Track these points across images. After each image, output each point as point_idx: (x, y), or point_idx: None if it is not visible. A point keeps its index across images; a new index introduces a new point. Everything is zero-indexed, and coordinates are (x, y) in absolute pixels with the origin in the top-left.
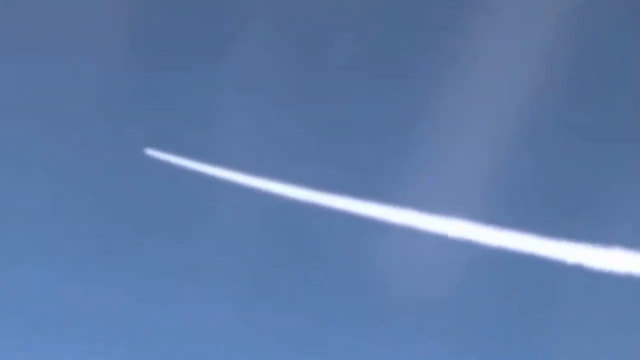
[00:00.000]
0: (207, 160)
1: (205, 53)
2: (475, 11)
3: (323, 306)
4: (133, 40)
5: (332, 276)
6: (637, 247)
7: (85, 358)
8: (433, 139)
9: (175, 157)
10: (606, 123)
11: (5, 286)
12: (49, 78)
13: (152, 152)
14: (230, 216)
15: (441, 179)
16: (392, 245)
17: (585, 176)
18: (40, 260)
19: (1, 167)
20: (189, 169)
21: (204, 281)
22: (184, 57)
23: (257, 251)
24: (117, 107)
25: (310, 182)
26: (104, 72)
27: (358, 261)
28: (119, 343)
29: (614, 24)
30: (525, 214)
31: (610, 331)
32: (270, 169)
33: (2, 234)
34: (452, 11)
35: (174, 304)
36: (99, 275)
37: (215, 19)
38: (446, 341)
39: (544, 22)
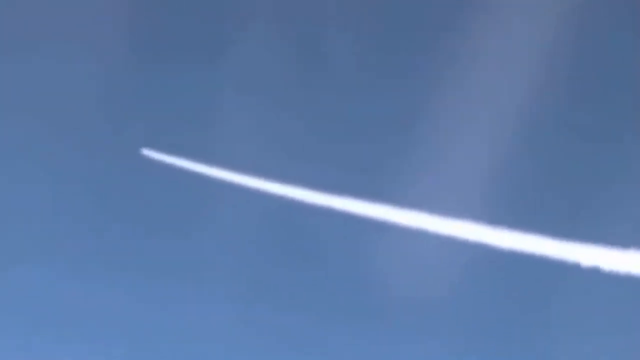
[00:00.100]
0: (205, 161)
1: (202, 52)
2: (475, 11)
3: (323, 306)
4: (130, 40)
5: (332, 276)
6: (638, 246)
7: (85, 358)
8: (433, 139)
9: (173, 157)
10: (607, 123)
11: (5, 286)
12: (46, 78)
13: (149, 152)
14: (229, 216)
15: (442, 179)
16: (392, 246)
17: (587, 176)
18: (39, 260)
19: None
20: (187, 169)
21: (204, 281)
22: (181, 56)
23: (256, 251)
24: (115, 107)
25: (309, 182)
26: (100, 72)
27: (358, 261)
28: (119, 343)
29: (614, 24)
30: (527, 214)
31: (611, 331)
32: (270, 169)
33: (0, 233)
34: (452, 11)
35: (174, 304)
36: (98, 275)
37: (214, 18)
38: (447, 341)
39: (545, 22)
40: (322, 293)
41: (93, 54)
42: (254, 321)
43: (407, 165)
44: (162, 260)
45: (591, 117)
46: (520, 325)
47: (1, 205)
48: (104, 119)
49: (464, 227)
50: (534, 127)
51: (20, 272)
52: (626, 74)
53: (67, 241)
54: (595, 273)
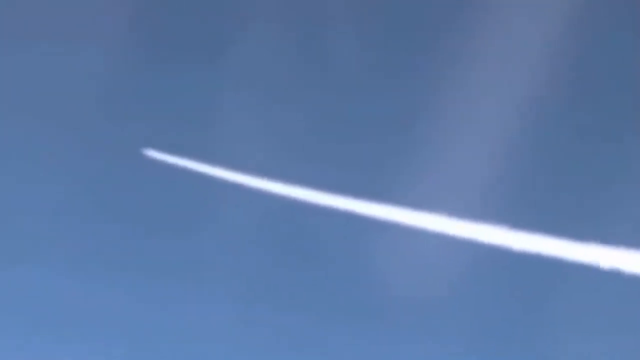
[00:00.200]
0: (206, 160)
1: (205, 52)
2: (476, 11)
3: (325, 306)
4: (132, 38)
5: (334, 276)
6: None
7: (85, 358)
8: (435, 139)
9: (174, 157)
10: (608, 122)
11: (5, 286)
12: (47, 76)
13: (150, 152)
14: (230, 216)
15: (444, 178)
16: (394, 245)
17: (590, 175)
18: (39, 259)
19: None
20: (188, 168)
21: (205, 281)
22: (183, 55)
23: (258, 251)
24: (116, 106)
25: (311, 181)
26: (101, 72)
27: (360, 261)
28: (119, 343)
29: (614, 24)
30: (531, 213)
31: (617, 331)
32: (272, 169)
33: (1, 233)
34: (455, 11)
35: (174, 304)
36: (99, 275)
37: (216, 17)
38: (449, 341)
39: (546, 21)
40: (324, 293)
41: (95, 53)
42: (256, 321)
43: (409, 165)
44: (164, 260)
45: (593, 116)
46: (523, 325)
47: (1, 204)
48: (105, 118)
49: (466, 227)
50: (536, 126)
51: (21, 271)
52: (628, 73)
53: (67, 240)
54: (600, 273)
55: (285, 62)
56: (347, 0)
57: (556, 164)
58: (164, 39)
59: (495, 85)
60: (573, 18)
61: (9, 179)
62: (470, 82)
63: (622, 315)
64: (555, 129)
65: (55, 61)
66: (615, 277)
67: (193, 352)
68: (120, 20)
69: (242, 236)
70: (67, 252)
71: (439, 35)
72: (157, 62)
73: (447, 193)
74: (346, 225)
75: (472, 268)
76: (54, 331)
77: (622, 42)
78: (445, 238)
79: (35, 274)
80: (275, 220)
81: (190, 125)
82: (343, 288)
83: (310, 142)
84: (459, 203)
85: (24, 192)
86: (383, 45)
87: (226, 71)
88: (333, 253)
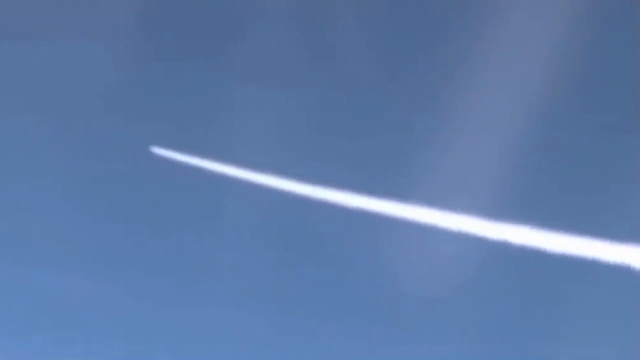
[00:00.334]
0: (213, 158)
1: (210, 50)
2: (479, 11)
3: (331, 304)
4: (140, 35)
5: (341, 274)
6: None
7: (85, 358)
8: (443, 136)
9: (181, 155)
10: (611, 121)
11: (5, 286)
12: (54, 76)
13: (157, 150)
14: (238, 213)
15: (449, 175)
16: (401, 242)
17: (597, 171)
18: (41, 259)
19: (3, 163)
20: (195, 166)
21: (212, 279)
22: (188, 53)
23: (265, 248)
24: (122, 104)
25: (319, 178)
26: (108, 70)
27: (367, 258)
28: (119, 343)
29: (615, 23)
30: (540, 210)
31: (622, 329)
32: (279, 166)
33: (3, 232)
34: (458, 11)
35: (179, 304)
36: (101, 274)
37: (223, 16)
38: (456, 339)
39: (547, 21)
40: (331, 291)
41: (102, 51)
42: (259, 321)
43: (415, 162)
44: (172, 257)
45: (595, 115)
46: (534, 323)
47: (8, 202)
48: (111, 116)
49: (473, 223)
50: (541, 124)
51: (20, 272)
52: (629, 73)
53: (74, 239)
54: (609, 269)
55: (291, 59)
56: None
57: (562, 160)
58: (171, 37)
59: (500, 84)
60: (576, 17)
61: (14, 178)
62: (476, 80)
63: (635, 312)
64: (561, 126)
65: (63, 60)
66: (629, 274)
67: (196, 352)
68: (127, 18)
69: (251, 233)
70: (74, 251)
71: (447, 35)
72: (164, 60)
73: (453, 190)
74: (355, 224)
75: (479, 264)
76: (54, 331)
77: (622, 42)
78: (452, 234)
79: (35, 274)
80: (283, 216)
81: (196, 122)
82: (351, 286)
83: (317, 139)
84: (465, 199)
85: (27, 190)
86: (391, 42)
87: (232, 69)
88: (341, 250)
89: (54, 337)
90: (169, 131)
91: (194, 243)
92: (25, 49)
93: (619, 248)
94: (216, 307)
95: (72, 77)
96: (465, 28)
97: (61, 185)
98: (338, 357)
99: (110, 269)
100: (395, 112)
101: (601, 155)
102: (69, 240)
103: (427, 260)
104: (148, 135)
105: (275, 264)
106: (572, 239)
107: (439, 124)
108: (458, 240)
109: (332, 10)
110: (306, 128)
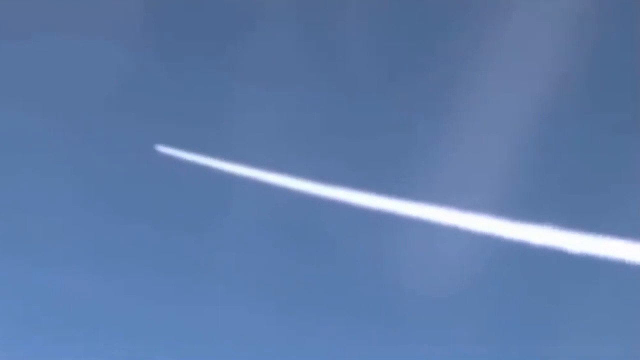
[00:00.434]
0: (218, 156)
1: (216, 51)
2: (481, 12)
3: (337, 304)
4: (146, 35)
5: (347, 272)
6: None
7: (85, 358)
8: (449, 135)
9: (186, 154)
10: (613, 119)
11: (5, 286)
12: (60, 74)
13: (163, 149)
14: (244, 211)
15: (454, 174)
16: (406, 240)
17: (604, 169)
18: (45, 258)
19: (8, 162)
20: (201, 165)
21: (214, 277)
22: (194, 54)
23: (271, 245)
24: (129, 103)
25: (325, 177)
26: (115, 70)
27: (373, 256)
28: (120, 343)
29: (615, 22)
30: (542, 208)
31: (626, 327)
32: (284, 165)
33: (5, 232)
34: (461, 12)
35: (184, 302)
36: (107, 273)
37: (229, 17)
38: (461, 338)
39: (548, 21)
40: (337, 289)
41: (109, 52)
42: (264, 321)
43: (420, 161)
44: (176, 256)
45: (598, 114)
46: (541, 322)
47: (14, 201)
48: (118, 116)
49: (475, 221)
50: (545, 125)
51: (21, 272)
52: (630, 73)
53: (80, 237)
54: (616, 266)
55: (296, 60)
56: (357, 1)
57: (563, 160)
58: (177, 38)
59: (501, 85)
60: (577, 19)
61: (20, 177)
62: (481, 80)
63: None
64: (562, 126)
65: (70, 61)
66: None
67: (198, 352)
68: (134, 19)
69: (255, 231)
70: (79, 250)
71: (451, 35)
72: (170, 60)
73: (455, 189)
74: (362, 222)
75: (482, 262)
76: (54, 331)
77: (623, 43)
78: (456, 233)
79: (37, 274)
80: (288, 214)
81: (202, 122)
82: (357, 284)
83: (322, 138)
84: (467, 198)
85: (35, 189)
86: (399, 43)
87: (238, 69)
88: (349, 249)
89: (54, 337)
90: (174, 130)
91: (199, 241)
92: (32, 49)
93: (621, 245)
94: (220, 304)
95: (79, 78)
96: (469, 30)
97: (68, 184)
98: (344, 356)
99: (117, 268)
100: (404, 112)
101: (601, 155)
102: (75, 238)
103: (432, 258)
104: (154, 134)
105: (280, 261)
106: (574, 237)
107: (444, 124)
108: (461, 238)
109: (337, 12)
110: (313, 127)
